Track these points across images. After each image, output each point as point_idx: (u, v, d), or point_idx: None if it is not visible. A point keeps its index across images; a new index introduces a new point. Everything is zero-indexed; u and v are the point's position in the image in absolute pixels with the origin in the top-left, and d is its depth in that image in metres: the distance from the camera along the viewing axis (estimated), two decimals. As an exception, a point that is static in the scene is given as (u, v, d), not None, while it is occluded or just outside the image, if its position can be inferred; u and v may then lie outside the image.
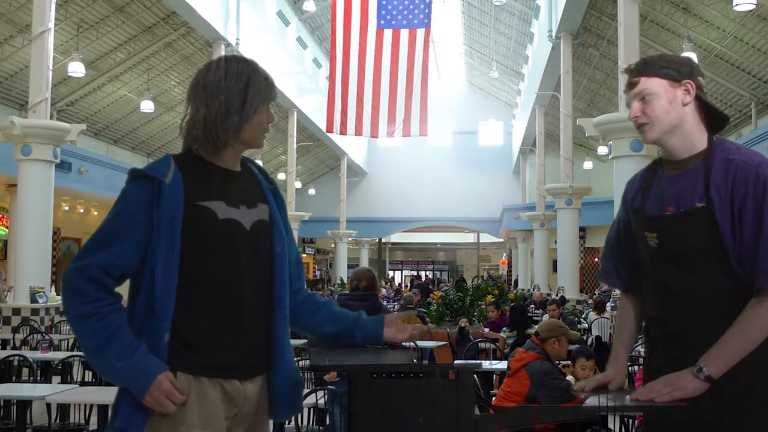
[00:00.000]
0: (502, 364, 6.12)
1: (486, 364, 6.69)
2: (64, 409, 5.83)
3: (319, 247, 40.59)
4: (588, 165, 27.84)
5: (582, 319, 11.84)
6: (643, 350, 5.26)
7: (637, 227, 2.09)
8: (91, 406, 5.63)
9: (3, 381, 6.43)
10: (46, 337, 8.39)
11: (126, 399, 1.80)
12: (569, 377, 4.86)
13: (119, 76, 20.79)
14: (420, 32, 14.65)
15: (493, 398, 5.17)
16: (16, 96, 18.92)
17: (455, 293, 11.65)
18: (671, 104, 2.00)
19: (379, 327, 2.11)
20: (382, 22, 14.58)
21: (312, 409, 5.37)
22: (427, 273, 46.48)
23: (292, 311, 2.04)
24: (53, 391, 5.09)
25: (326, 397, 4.69)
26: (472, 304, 11.26)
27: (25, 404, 5.11)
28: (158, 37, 19.48)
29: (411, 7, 14.62)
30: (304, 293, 2.14)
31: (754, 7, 13.55)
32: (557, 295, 14.77)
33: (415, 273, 45.61)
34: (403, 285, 34.58)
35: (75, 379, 7.10)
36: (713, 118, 2.06)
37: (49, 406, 5.75)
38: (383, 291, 23.05)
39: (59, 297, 10.70)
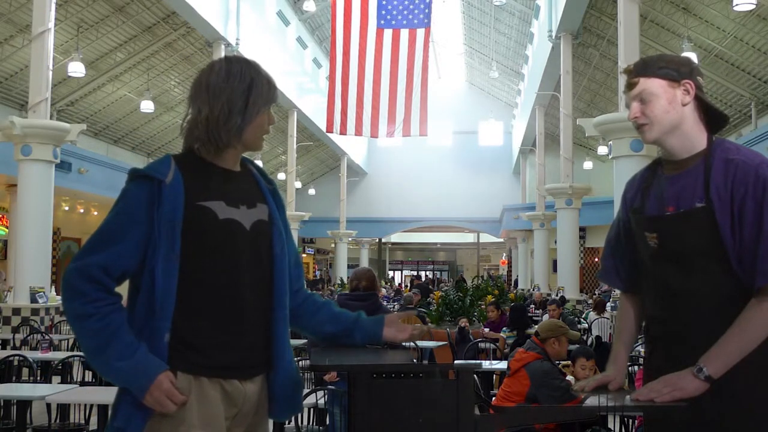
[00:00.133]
0: (502, 364, 6.12)
1: (486, 364, 6.69)
2: (64, 409, 5.83)
3: (319, 247, 40.60)
4: (588, 165, 27.84)
5: (582, 319, 11.84)
6: (643, 350, 5.26)
7: (637, 227, 2.09)
8: (91, 406, 5.63)
9: (3, 381, 6.43)
10: (46, 337, 8.39)
11: (126, 399, 1.80)
12: (569, 377, 4.86)
13: (119, 76, 20.80)
14: (420, 32, 14.65)
15: (493, 398, 5.17)
16: (16, 96, 18.92)
17: (455, 293, 11.65)
18: (671, 104, 2.00)
19: (378, 327, 2.11)
20: (382, 22, 14.58)
21: (312, 409, 5.37)
22: (427, 273, 46.48)
23: (291, 311, 2.04)
24: (53, 391, 5.09)
25: (326, 397, 4.69)
26: (472, 304, 11.26)
27: (25, 404, 5.11)
28: (158, 37, 19.48)
29: (411, 7, 14.62)
30: (303, 293, 2.14)
31: (754, 7, 13.55)
32: (557, 295, 14.77)
33: (415, 273, 45.61)
34: (403, 285, 34.58)
35: (75, 379, 7.10)
36: (713, 118, 2.06)
37: (49, 406, 5.75)
38: (383, 291, 23.05)
39: (59, 297, 10.70)
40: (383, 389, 1.69)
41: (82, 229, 20.54)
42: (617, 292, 4.49)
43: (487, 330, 9.51)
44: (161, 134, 25.50)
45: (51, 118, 12.69)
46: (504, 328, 9.33)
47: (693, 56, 15.36)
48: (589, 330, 10.58)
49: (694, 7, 17.14)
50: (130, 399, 1.79)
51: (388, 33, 14.60)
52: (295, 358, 2.12)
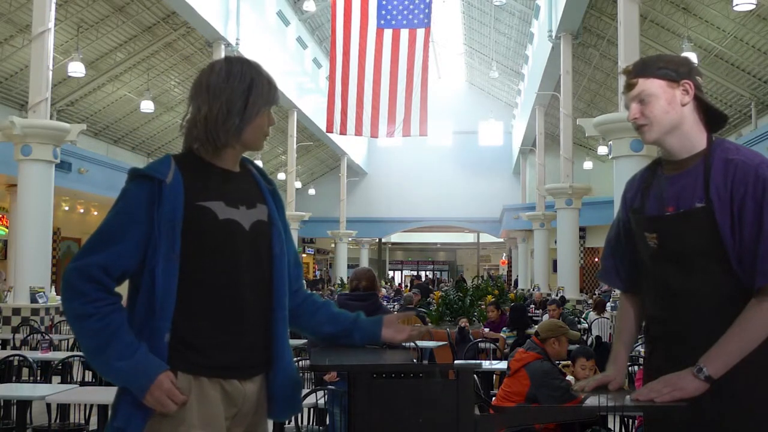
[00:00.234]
0: (502, 364, 6.12)
1: (486, 364, 6.69)
2: (64, 409, 5.83)
3: (319, 247, 40.60)
4: (588, 165, 27.85)
5: (582, 319, 11.84)
6: (643, 350, 5.26)
7: (637, 227, 2.09)
8: (91, 406, 5.63)
9: (3, 381, 6.43)
10: (46, 337, 8.39)
11: (126, 399, 1.80)
12: (569, 377, 4.86)
13: (119, 76, 20.80)
14: (420, 32, 14.65)
15: (493, 398, 5.17)
16: (16, 96, 18.92)
17: (455, 293, 11.66)
18: (670, 105, 2.00)
19: (377, 328, 2.11)
20: (382, 22, 14.58)
21: (312, 409, 5.37)
22: (427, 273, 46.47)
23: (291, 311, 2.04)
24: (53, 391, 5.09)
25: (326, 397, 4.69)
26: (472, 304, 11.26)
27: (25, 404, 5.11)
28: (158, 37, 19.48)
29: (411, 7, 14.62)
30: (303, 293, 2.14)
31: (754, 7, 13.55)
32: (557, 295, 14.77)
33: (415, 273, 45.61)
34: (403, 285, 34.58)
35: (75, 379, 7.10)
36: (712, 118, 2.06)
37: (49, 406, 5.75)
38: (383, 291, 23.05)
39: (59, 297, 10.70)
40: (383, 389, 1.69)
41: (82, 229, 20.54)
42: (617, 292, 4.49)
43: (487, 330, 9.51)
44: (161, 134, 25.50)
45: (51, 118, 12.69)
46: (504, 328, 9.33)
47: (693, 56, 15.38)
48: (589, 330, 10.58)
49: (694, 7, 17.14)
50: (130, 399, 1.79)
51: (388, 33, 14.60)
52: (295, 358, 2.12)
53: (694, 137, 2.02)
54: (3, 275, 14.38)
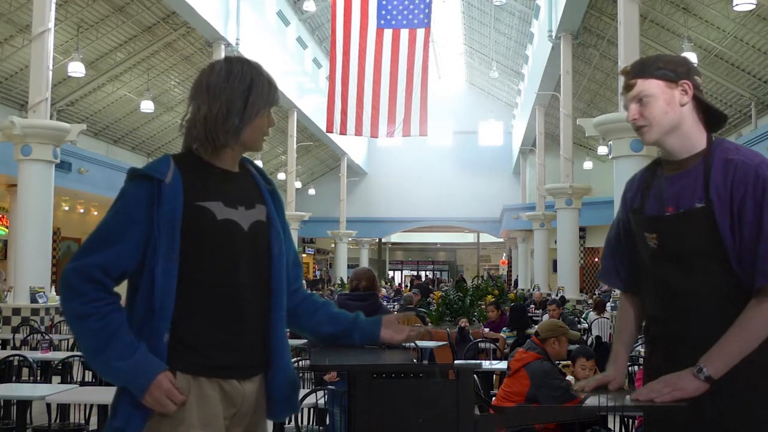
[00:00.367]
0: (502, 364, 6.12)
1: (486, 364, 6.69)
2: (64, 409, 5.83)
3: (319, 247, 40.60)
4: (588, 165, 27.85)
5: (582, 319, 11.84)
6: (643, 350, 5.26)
7: (637, 228, 2.09)
8: (91, 406, 5.63)
9: (3, 381, 6.43)
10: (46, 337, 8.39)
11: (125, 399, 1.80)
12: (569, 377, 4.86)
13: (119, 76, 20.80)
14: (420, 32, 14.65)
15: (493, 398, 5.17)
16: (16, 96, 18.92)
17: (455, 293, 11.66)
18: (669, 105, 2.00)
19: (376, 328, 2.11)
20: (382, 22, 14.58)
21: (312, 409, 5.37)
22: (427, 273, 46.47)
23: (290, 311, 2.04)
24: (53, 391, 5.09)
25: (326, 397, 4.69)
26: (472, 304, 11.27)
27: (25, 404, 5.11)
28: (158, 37, 19.48)
29: (411, 7, 14.62)
30: (302, 293, 2.14)
31: (754, 7, 13.55)
32: (557, 295, 14.77)
33: (415, 273, 45.60)
34: (403, 285, 34.57)
35: (75, 379, 7.10)
36: (711, 118, 2.06)
37: (49, 406, 5.75)
38: (383, 291, 23.05)
39: (59, 297, 10.69)
40: (383, 389, 1.69)
41: (82, 229, 20.54)
42: (617, 292, 4.49)
43: (487, 330, 9.51)
44: (161, 134, 25.50)
45: (51, 118, 12.69)
46: (504, 328, 9.33)
47: (693, 56, 15.40)
48: (589, 330, 10.58)
49: (694, 7, 17.14)
50: (129, 399, 1.79)
51: (388, 33, 14.60)
52: (295, 358, 2.12)
53: (693, 137, 2.02)
54: (3, 275, 14.39)
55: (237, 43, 17.97)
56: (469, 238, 42.85)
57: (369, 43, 14.59)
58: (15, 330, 9.81)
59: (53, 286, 11.43)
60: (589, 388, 2.05)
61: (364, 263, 33.17)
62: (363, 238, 34.96)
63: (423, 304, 13.45)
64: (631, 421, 5.06)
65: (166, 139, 25.69)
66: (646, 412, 2.21)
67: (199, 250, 1.85)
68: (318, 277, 36.10)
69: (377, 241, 39.95)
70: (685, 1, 16.92)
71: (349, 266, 31.24)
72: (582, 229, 20.52)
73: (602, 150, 23.35)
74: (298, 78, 25.08)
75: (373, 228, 35.69)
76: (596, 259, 26.13)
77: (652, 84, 2.00)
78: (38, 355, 6.98)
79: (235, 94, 1.91)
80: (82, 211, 20.59)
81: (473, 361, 7.05)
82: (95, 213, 20.68)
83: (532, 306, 14.78)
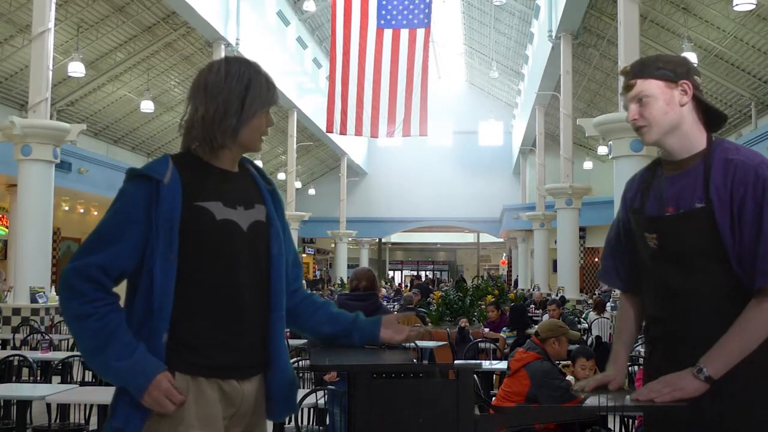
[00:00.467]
0: (502, 364, 6.12)
1: (486, 364, 6.69)
2: (64, 409, 5.83)
3: (319, 247, 40.60)
4: (588, 165, 27.85)
5: (582, 319, 11.84)
6: (643, 350, 5.26)
7: (637, 228, 2.09)
8: (91, 406, 5.63)
9: (3, 381, 6.43)
10: (46, 337, 8.39)
11: (124, 399, 1.80)
12: (569, 377, 4.86)
13: (119, 76, 20.80)
14: (420, 32, 14.65)
15: (493, 398, 5.17)
16: (16, 96, 18.92)
17: (455, 293, 11.66)
18: (669, 105, 2.00)
19: (376, 328, 2.11)
20: (382, 22, 14.58)
21: (312, 409, 5.37)
22: (427, 273, 46.48)
23: (290, 311, 2.04)
24: (53, 391, 5.09)
25: (326, 397, 4.69)
26: (472, 304, 11.27)
27: (25, 404, 5.11)
28: (158, 37, 19.48)
29: (411, 7, 14.62)
30: (302, 293, 2.14)
31: (754, 7, 13.55)
32: (557, 295, 14.77)
33: (415, 273, 45.60)
34: (403, 285, 34.58)
35: (75, 379, 7.10)
36: (711, 118, 2.06)
37: (49, 406, 5.75)
38: (383, 291, 23.05)
39: (58, 297, 10.69)
40: (383, 389, 1.69)
41: (82, 229, 20.54)
42: (617, 292, 4.49)
43: (487, 330, 9.51)
44: (161, 134, 25.50)
45: (51, 118, 12.69)
46: (504, 328, 9.33)
47: (693, 56, 15.39)
48: (589, 330, 10.58)
49: (694, 7, 17.14)
50: (128, 399, 1.79)
51: (388, 33, 14.60)
52: (295, 358, 2.12)
53: (693, 137, 2.02)
54: (3, 275, 14.39)
55: (237, 43, 17.97)
56: (469, 238, 42.85)
57: (369, 43, 14.59)
58: (15, 330, 9.81)
59: (53, 286, 11.43)
60: (589, 388, 2.05)
61: (364, 263, 33.18)
62: (363, 238, 34.96)
63: (423, 304, 13.45)
64: (631, 421, 5.06)
65: (166, 139, 25.69)
66: (646, 412, 2.21)
67: (197, 250, 1.85)
68: (318, 277, 36.10)
69: (377, 241, 39.95)
70: (685, 1, 16.91)
71: (349, 266, 31.24)
72: (582, 229, 20.53)
73: (602, 150, 23.35)
74: (298, 78, 25.08)
75: (373, 228, 35.70)
76: (596, 259, 26.13)
77: (651, 84, 2.00)
78: (38, 355, 6.98)
79: (232, 94, 1.90)
80: (82, 211, 20.59)
81: (473, 361, 7.05)
82: (95, 213, 20.68)
83: (532, 306, 14.78)
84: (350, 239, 33.25)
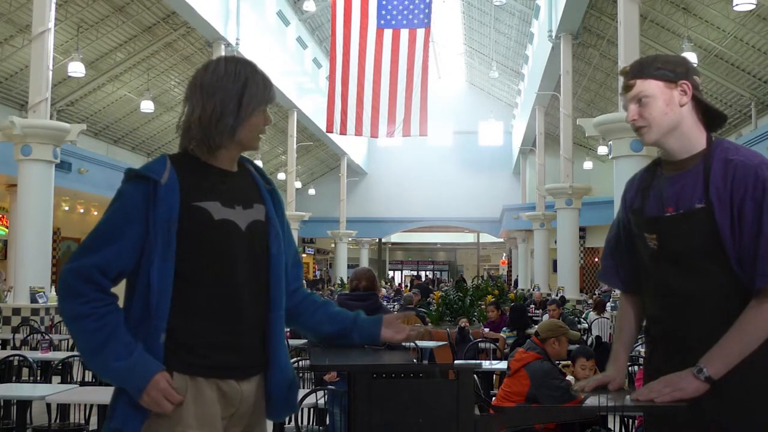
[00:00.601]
0: (502, 364, 6.12)
1: (486, 364, 6.69)
2: (64, 409, 5.83)
3: (319, 247, 40.60)
4: (588, 165, 27.85)
5: (582, 319, 11.84)
6: (643, 350, 5.26)
7: (637, 228, 2.09)
8: (91, 406, 5.63)
9: (3, 381, 6.43)
10: (46, 337, 8.39)
11: (123, 399, 1.80)
12: (569, 377, 4.86)
13: (119, 76, 20.80)
14: (420, 32, 14.65)
15: (493, 398, 5.17)
16: (16, 96, 18.93)
17: (455, 293, 11.65)
18: (668, 106, 1.99)
19: (376, 327, 2.10)
20: (382, 22, 14.58)
21: (312, 409, 5.37)
22: (427, 273, 46.46)
23: (290, 311, 2.04)
24: (53, 391, 5.09)
25: (326, 397, 4.69)
26: (472, 304, 11.26)
27: (25, 404, 5.11)
28: (158, 37, 19.48)
29: (411, 7, 14.62)
30: (302, 293, 2.14)
31: (754, 7, 13.55)
32: (557, 295, 14.77)
33: (415, 273, 45.59)
34: (403, 285, 34.57)
35: (75, 379, 7.09)
36: (711, 118, 2.05)
37: (49, 406, 5.75)
38: (383, 291, 23.05)
39: (57, 297, 10.68)
40: (383, 389, 1.69)
41: (82, 229, 20.54)
42: (617, 292, 4.49)
43: (487, 330, 9.50)
44: (161, 134, 25.50)
45: (51, 118, 12.69)
46: (504, 328, 9.33)
47: (693, 56, 15.39)
48: (589, 330, 10.58)
49: (694, 7, 17.14)
50: (126, 399, 1.79)
51: (388, 33, 14.60)
52: (295, 358, 2.12)
53: (693, 137, 2.01)
54: (3, 275, 14.38)
55: (237, 43, 17.97)
56: (469, 238, 42.84)
57: (369, 43, 14.59)
58: (15, 330, 9.81)
59: (53, 286, 11.43)
60: (589, 388, 2.05)
61: (364, 263, 33.17)
62: (363, 238, 34.96)
63: (423, 304, 13.45)
64: (631, 421, 5.06)
65: (166, 139, 25.69)
66: (646, 412, 2.21)
67: (195, 250, 1.85)
68: (318, 277, 36.10)
69: (377, 241, 39.95)
70: (685, 1, 16.91)
71: (349, 266, 31.24)
72: (582, 229, 20.53)
73: (602, 150, 23.35)
74: (298, 78, 25.08)
75: (373, 228, 35.70)
76: (596, 259, 26.13)
77: (651, 84, 2.00)
78: (38, 355, 6.98)
79: (228, 93, 1.90)
80: (82, 211, 20.60)
81: (473, 361, 7.04)
82: (95, 213, 20.68)
83: (532, 306, 14.78)
84: (350, 239, 33.25)
